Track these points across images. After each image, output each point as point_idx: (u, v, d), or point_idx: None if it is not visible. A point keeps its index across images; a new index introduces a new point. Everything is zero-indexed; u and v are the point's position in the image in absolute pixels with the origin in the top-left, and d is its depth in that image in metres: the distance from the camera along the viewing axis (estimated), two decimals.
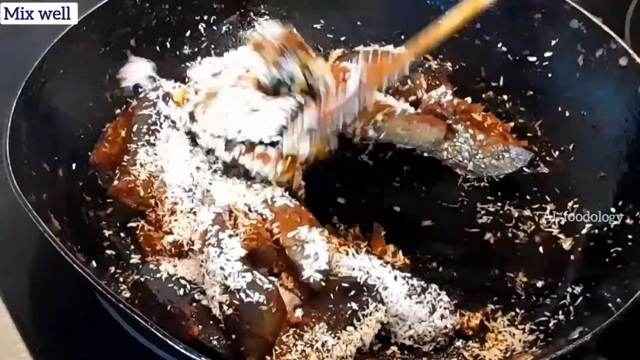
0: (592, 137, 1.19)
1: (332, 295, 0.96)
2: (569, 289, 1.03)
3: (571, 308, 1.01)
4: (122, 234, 1.09)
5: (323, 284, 0.96)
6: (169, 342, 0.82)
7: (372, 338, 0.97)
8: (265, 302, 0.91)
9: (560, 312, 1.01)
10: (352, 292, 0.96)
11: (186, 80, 1.24)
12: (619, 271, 1.01)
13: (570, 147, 1.22)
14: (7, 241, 1.12)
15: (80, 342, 1.02)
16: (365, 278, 0.98)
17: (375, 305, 0.96)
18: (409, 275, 1.00)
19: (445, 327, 0.99)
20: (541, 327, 1.01)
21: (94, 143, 1.15)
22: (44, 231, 0.90)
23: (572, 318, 0.99)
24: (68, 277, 0.96)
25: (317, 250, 0.97)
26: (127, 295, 0.98)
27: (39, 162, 1.04)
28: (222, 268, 0.93)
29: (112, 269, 1.03)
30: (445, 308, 0.99)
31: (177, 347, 0.82)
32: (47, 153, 1.07)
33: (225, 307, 0.92)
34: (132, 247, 1.07)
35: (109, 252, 1.06)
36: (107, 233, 1.09)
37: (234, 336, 0.91)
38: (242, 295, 0.91)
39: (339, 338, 0.93)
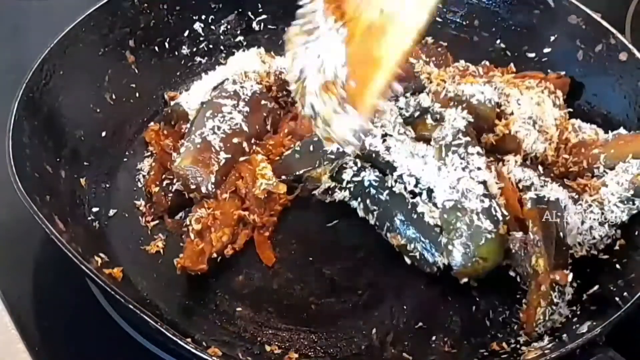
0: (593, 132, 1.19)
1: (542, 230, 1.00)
2: (575, 284, 1.03)
3: (578, 303, 1.01)
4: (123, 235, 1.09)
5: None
6: (179, 341, 0.82)
7: None
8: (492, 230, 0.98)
9: (567, 307, 1.01)
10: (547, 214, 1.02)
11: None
12: (625, 264, 1.02)
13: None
14: (7, 242, 1.11)
15: (80, 342, 1.01)
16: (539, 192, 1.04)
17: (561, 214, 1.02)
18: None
19: (594, 238, 1.05)
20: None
21: (94, 144, 1.15)
22: (50, 233, 0.90)
23: (579, 313, 0.99)
24: (68, 278, 0.96)
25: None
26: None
27: (41, 164, 1.03)
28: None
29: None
30: (594, 220, 1.05)
31: (187, 347, 0.82)
32: (49, 154, 1.06)
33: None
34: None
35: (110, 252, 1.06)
36: (109, 234, 1.09)
37: None
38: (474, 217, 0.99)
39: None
